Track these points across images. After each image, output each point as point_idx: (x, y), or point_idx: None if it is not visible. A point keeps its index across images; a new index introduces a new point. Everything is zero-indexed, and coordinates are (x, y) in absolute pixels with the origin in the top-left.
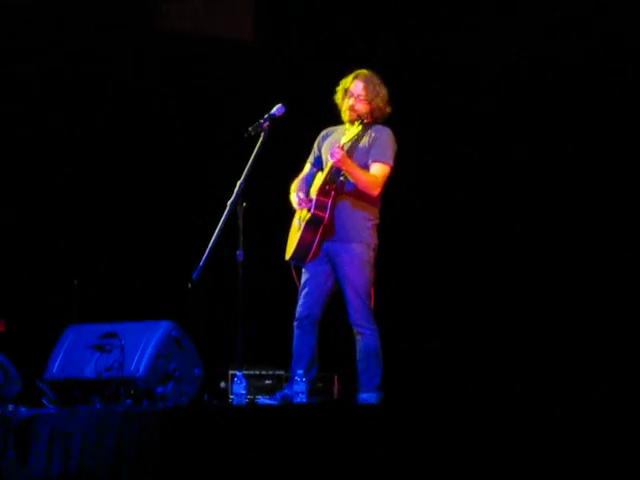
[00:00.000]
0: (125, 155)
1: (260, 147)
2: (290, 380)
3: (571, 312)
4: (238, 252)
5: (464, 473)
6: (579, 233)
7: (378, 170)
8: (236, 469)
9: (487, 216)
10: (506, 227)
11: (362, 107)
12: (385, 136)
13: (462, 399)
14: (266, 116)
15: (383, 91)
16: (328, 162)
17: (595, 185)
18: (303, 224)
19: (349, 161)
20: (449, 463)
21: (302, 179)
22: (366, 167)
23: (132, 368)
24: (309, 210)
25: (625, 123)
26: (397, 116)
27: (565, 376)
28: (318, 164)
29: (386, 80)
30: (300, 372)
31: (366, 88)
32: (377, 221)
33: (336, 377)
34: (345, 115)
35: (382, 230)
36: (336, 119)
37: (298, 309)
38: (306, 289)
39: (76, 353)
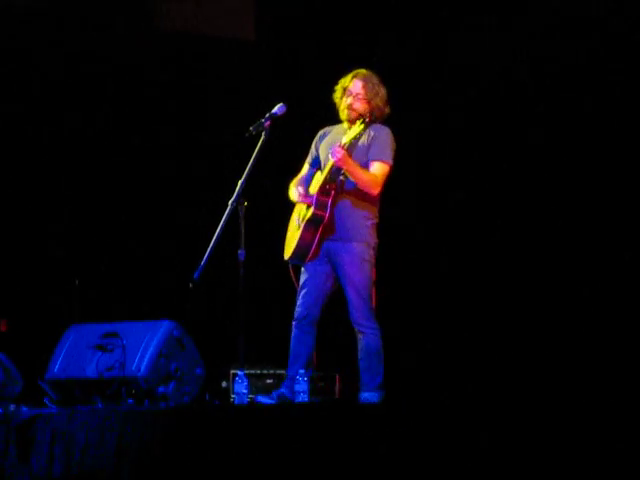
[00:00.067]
0: (126, 155)
1: (261, 146)
2: (286, 379)
3: (572, 312)
4: (239, 251)
5: (465, 472)
6: (579, 234)
7: (378, 169)
8: (238, 468)
9: (487, 215)
10: (506, 226)
11: (360, 106)
12: (384, 135)
13: (464, 398)
14: (267, 115)
15: (382, 91)
16: (328, 161)
17: (595, 186)
18: (303, 224)
19: (350, 160)
20: (451, 462)
21: (301, 179)
22: (365, 166)
23: (133, 368)
24: (309, 207)
25: (625, 123)
26: (397, 116)
27: (565, 376)
28: (316, 164)
29: (386, 80)
30: (302, 371)
31: (365, 87)
32: (377, 220)
33: (338, 376)
34: (343, 114)
35: (384, 230)
36: (338, 119)
37: (297, 309)
38: (305, 289)
39: (77, 353)
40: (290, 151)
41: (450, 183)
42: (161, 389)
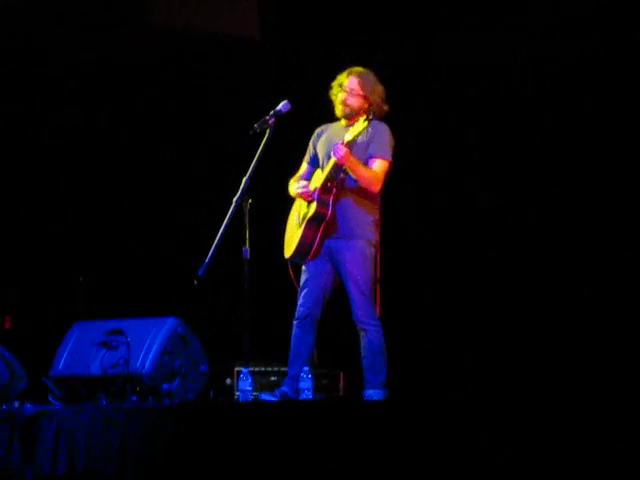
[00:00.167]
0: (130, 152)
1: (266, 144)
2: (287, 378)
3: (573, 312)
4: (244, 248)
5: (468, 470)
6: (579, 233)
7: (378, 166)
8: (242, 465)
9: (488, 215)
10: (507, 226)
11: (355, 102)
12: (383, 132)
13: (467, 396)
14: (272, 112)
15: (379, 88)
16: (330, 159)
17: (595, 186)
18: (304, 222)
19: (352, 158)
20: (454, 460)
21: (300, 178)
22: (364, 163)
23: (138, 365)
24: (309, 205)
25: (625, 123)
26: (397, 116)
27: (566, 375)
28: (314, 162)
29: (386, 80)
30: (306, 368)
31: (361, 83)
32: (377, 217)
33: (342, 374)
34: (338, 110)
35: (386, 228)
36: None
37: (298, 309)
38: (306, 289)
39: (82, 350)
40: (295, 149)
41: (450, 183)
42: (165, 386)
